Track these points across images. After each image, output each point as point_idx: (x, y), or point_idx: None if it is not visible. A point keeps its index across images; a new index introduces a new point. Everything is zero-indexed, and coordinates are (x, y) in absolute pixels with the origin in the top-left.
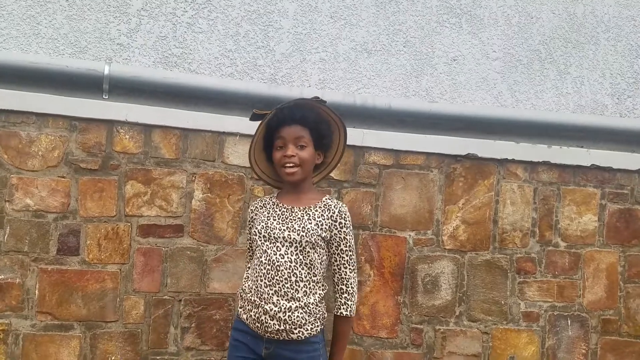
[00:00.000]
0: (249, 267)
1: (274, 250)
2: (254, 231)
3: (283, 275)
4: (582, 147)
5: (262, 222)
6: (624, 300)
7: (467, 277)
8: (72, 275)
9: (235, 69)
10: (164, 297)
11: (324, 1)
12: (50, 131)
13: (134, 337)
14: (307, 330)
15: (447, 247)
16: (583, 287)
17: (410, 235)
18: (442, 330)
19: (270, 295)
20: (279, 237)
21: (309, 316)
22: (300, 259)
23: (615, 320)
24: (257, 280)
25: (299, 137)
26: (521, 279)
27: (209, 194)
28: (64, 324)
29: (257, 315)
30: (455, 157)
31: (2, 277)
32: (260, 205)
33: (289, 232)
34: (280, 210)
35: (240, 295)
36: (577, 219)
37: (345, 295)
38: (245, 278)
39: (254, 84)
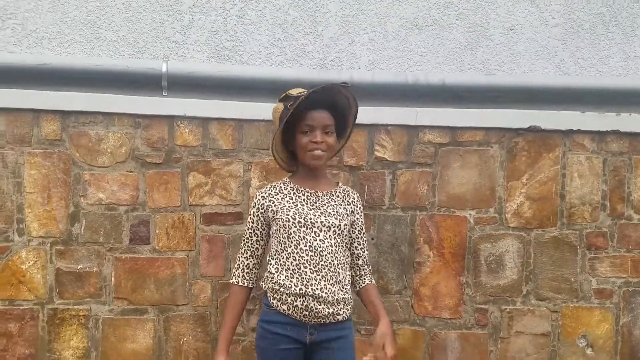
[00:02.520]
0: (272, 258)
1: (312, 236)
2: (285, 218)
3: (327, 260)
4: None
5: (291, 208)
6: None
7: (533, 255)
8: (144, 262)
9: (285, 57)
10: (229, 281)
11: None
12: (116, 129)
13: (203, 319)
14: (348, 309)
15: (512, 225)
16: None
17: (470, 214)
18: (508, 309)
19: (318, 280)
20: (316, 222)
21: (348, 296)
22: (339, 242)
23: None
24: (300, 269)
25: (327, 124)
26: (592, 255)
27: (264, 182)
28: (139, 308)
29: (304, 304)
30: (517, 131)
31: (81, 266)
32: (274, 192)
33: (325, 217)
34: (304, 195)
35: (273, 289)
36: None
37: (369, 269)
38: (274, 270)
39: (303, 70)
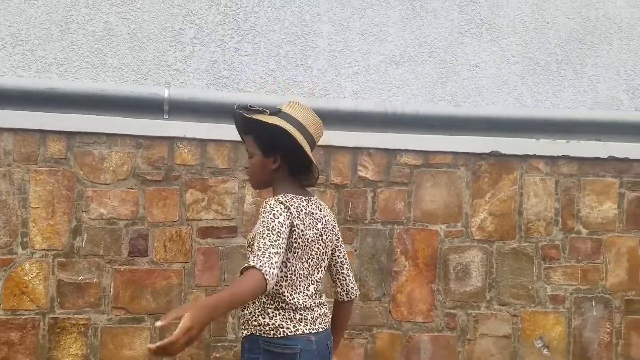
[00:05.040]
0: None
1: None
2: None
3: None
4: (599, 140)
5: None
6: None
7: (495, 265)
8: (142, 274)
9: (278, 85)
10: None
11: (354, 20)
12: (119, 149)
13: None
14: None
15: (476, 238)
16: (605, 271)
17: (441, 228)
18: (474, 314)
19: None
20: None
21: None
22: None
23: (637, 301)
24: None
25: (247, 149)
26: (547, 265)
27: (258, 198)
28: (136, 317)
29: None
30: (481, 155)
31: (82, 277)
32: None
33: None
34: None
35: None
36: (597, 207)
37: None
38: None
39: (294, 98)
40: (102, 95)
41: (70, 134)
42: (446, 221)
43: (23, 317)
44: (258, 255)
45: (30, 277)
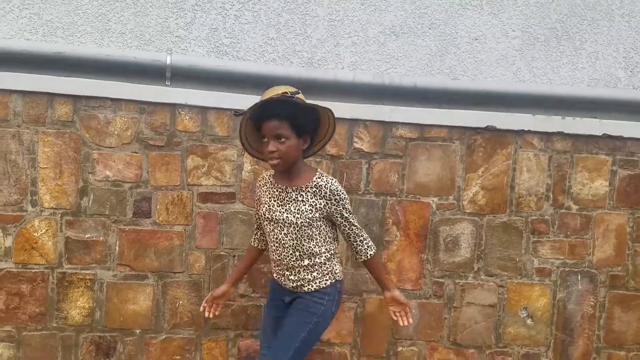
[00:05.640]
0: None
1: (278, 230)
2: (260, 213)
3: (288, 252)
4: (595, 117)
5: (266, 203)
6: (632, 258)
7: (485, 237)
8: (146, 234)
9: (277, 55)
10: (221, 253)
11: None
12: (123, 114)
13: (197, 285)
14: (315, 284)
15: (467, 211)
16: (593, 246)
17: (433, 200)
18: (461, 283)
19: (281, 267)
20: (280, 219)
21: (316, 274)
22: (299, 236)
23: (622, 276)
24: (272, 255)
25: (278, 133)
26: (535, 239)
27: (256, 166)
28: (140, 274)
29: (277, 276)
30: (476, 130)
31: (88, 235)
32: (262, 184)
33: (287, 214)
34: (277, 191)
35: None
36: (588, 184)
37: (364, 240)
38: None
39: (293, 68)
40: (106, 61)
41: (76, 98)
42: (438, 194)
43: (33, 270)
44: (363, 235)
45: (39, 234)
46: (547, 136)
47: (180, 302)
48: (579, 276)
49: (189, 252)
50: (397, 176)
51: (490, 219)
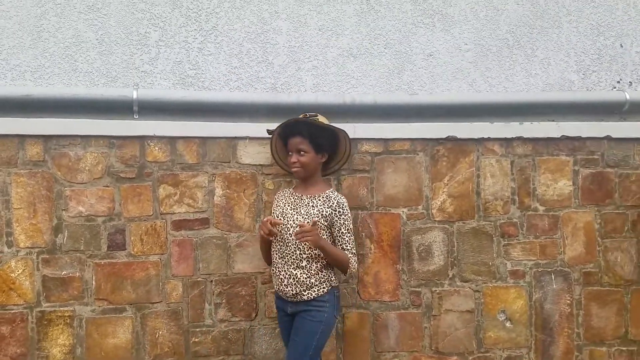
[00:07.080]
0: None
1: (284, 231)
2: (274, 215)
3: (291, 250)
4: (552, 120)
5: (280, 208)
6: (603, 254)
7: (456, 244)
8: (122, 266)
9: (241, 82)
10: (198, 279)
11: (312, 17)
12: (93, 149)
13: (176, 314)
14: (314, 291)
15: (437, 219)
16: (563, 245)
17: (403, 211)
18: (438, 291)
19: (282, 265)
20: (290, 220)
21: (314, 281)
22: None
23: (596, 273)
24: (274, 256)
25: (299, 148)
26: (506, 242)
27: (227, 190)
28: (118, 307)
29: (277, 285)
30: (438, 140)
31: (65, 272)
32: (281, 195)
33: (297, 216)
34: (293, 199)
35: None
36: (552, 185)
37: (350, 259)
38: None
39: (257, 94)
40: (75, 99)
41: (46, 137)
42: (408, 204)
43: (12, 311)
44: (353, 252)
45: (16, 274)
46: (507, 142)
47: (160, 333)
48: (553, 276)
49: (166, 281)
50: (366, 190)
51: (460, 225)
